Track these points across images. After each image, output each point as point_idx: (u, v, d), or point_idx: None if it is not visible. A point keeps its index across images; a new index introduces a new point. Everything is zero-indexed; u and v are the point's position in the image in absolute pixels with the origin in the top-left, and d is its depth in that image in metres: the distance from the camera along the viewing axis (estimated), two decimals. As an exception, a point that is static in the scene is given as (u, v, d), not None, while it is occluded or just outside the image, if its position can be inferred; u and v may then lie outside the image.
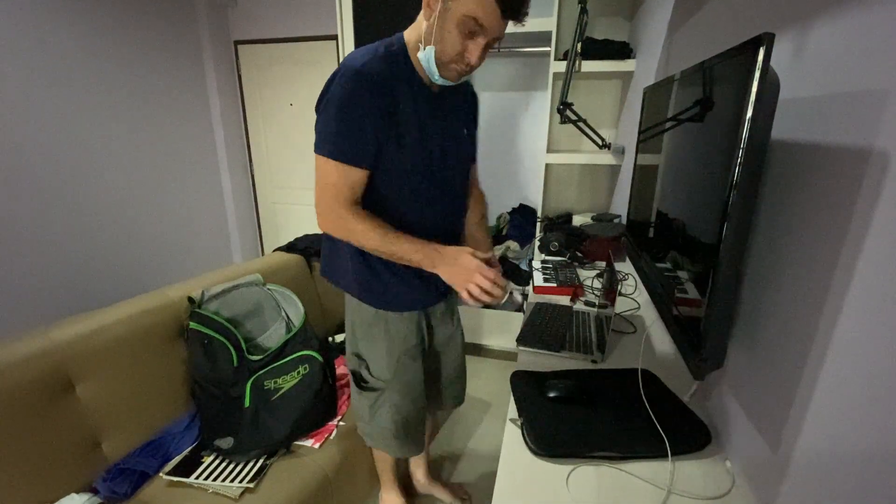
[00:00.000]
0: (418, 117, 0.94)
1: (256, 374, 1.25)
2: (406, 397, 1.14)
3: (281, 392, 1.29)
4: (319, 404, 1.36)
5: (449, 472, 1.76)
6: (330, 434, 1.36)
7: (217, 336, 1.25)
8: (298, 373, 1.32)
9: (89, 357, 1.13)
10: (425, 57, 0.89)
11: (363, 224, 0.92)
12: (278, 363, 1.30)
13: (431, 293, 1.10)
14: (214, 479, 1.15)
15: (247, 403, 1.23)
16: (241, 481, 1.15)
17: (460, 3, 0.82)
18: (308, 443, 1.32)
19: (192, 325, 1.27)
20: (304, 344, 1.38)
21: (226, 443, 1.21)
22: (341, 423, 1.42)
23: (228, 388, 1.24)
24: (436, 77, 0.91)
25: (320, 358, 1.36)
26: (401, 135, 0.93)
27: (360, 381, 1.16)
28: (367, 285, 1.05)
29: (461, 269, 0.92)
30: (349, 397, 1.53)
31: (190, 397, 1.35)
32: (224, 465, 1.20)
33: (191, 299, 1.34)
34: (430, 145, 0.98)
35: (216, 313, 1.30)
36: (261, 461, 1.22)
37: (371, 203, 0.97)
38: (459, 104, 1.05)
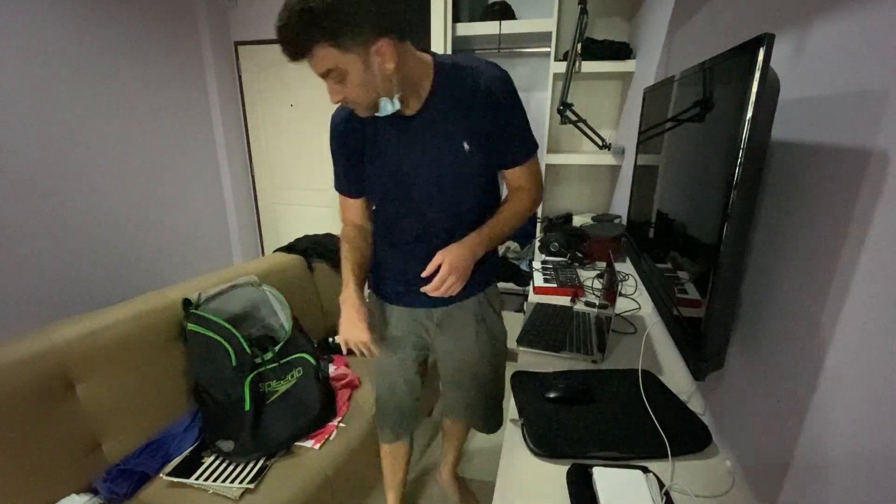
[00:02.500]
0: (383, 143, 0.99)
1: (253, 374, 1.25)
2: (383, 381, 1.22)
3: (276, 395, 1.29)
4: (318, 406, 1.36)
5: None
6: (330, 435, 1.36)
7: (215, 336, 1.25)
8: (293, 376, 1.32)
9: (89, 357, 1.13)
10: None
11: (343, 244, 1.09)
12: (272, 366, 1.30)
13: (413, 297, 1.04)
14: (215, 480, 1.15)
15: (247, 407, 1.23)
16: (241, 482, 1.15)
17: None
18: (308, 443, 1.32)
19: (191, 326, 1.27)
20: (296, 348, 1.38)
21: (227, 445, 1.21)
22: (341, 423, 1.41)
23: (228, 388, 1.24)
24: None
25: (313, 361, 1.36)
26: (370, 161, 1.01)
27: None
28: (372, 266, 1.15)
29: (343, 319, 1.03)
30: (349, 398, 1.53)
31: (191, 398, 1.35)
32: (224, 465, 1.20)
33: (188, 301, 1.34)
34: (396, 169, 0.99)
35: (214, 314, 1.30)
36: (261, 462, 1.22)
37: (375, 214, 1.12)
38: (451, 118, 0.94)
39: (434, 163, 0.97)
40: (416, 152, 0.97)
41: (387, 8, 0.79)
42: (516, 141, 1.00)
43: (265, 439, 1.24)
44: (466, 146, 0.96)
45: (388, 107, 0.88)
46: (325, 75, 0.82)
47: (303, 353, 1.37)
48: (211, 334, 1.25)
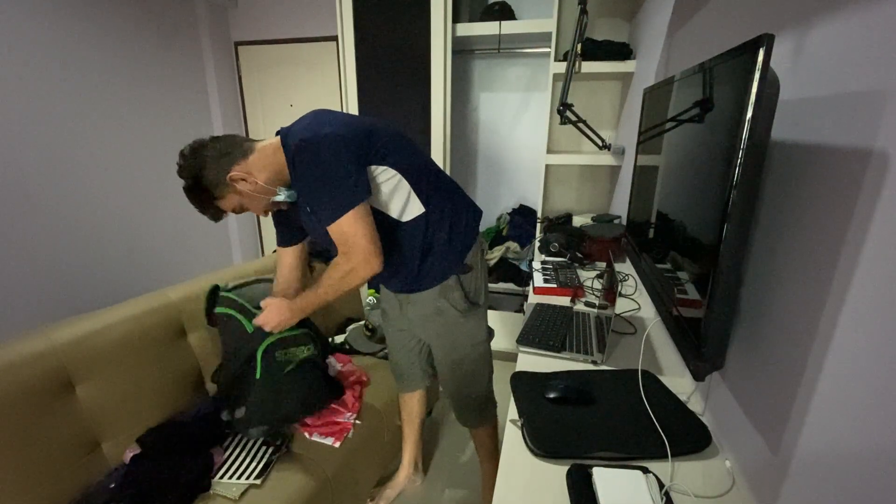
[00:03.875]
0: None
1: (267, 342, 1.25)
2: (390, 345, 1.48)
3: (291, 365, 1.28)
4: (324, 385, 1.38)
5: (450, 471, 1.76)
6: (348, 433, 1.39)
7: (236, 314, 1.27)
8: (308, 348, 1.32)
9: (89, 358, 1.13)
10: None
11: None
12: (287, 334, 1.29)
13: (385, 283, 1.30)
14: (220, 478, 1.15)
15: (258, 375, 1.23)
16: (247, 478, 1.15)
17: None
18: (328, 441, 1.35)
19: (219, 309, 1.29)
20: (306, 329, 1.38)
21: (240, 412, 1.23)
22: (357, 421, 1.44)
23: (243, 359, 1.25)
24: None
25: (318, 343, 1.37)
26: None
27: None
28: None
29: None
30: (360, 396, 1.54)
31: (195, 395, 1.36)
32: (225, 465, 1.20)
33: (218, 287, 1.36)
34: (309, 229, 1.19)
35: (238, 296, 1.32)
36: (266, 456, 1.23)
37: None
38: (295, 187, 1.09)
39: (308, 223, 1.14)
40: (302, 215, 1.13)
41: (214, 158, 1.02)
42: (312, 204, 1.03)
43: (273, 409, 1.25)
44: (308, 208, 1.07)
45: (282, 197, 1.08)
46: (237, 212, 1.11)
47: (310, 337, 1.36)
48: (233, 313, 1.27)
